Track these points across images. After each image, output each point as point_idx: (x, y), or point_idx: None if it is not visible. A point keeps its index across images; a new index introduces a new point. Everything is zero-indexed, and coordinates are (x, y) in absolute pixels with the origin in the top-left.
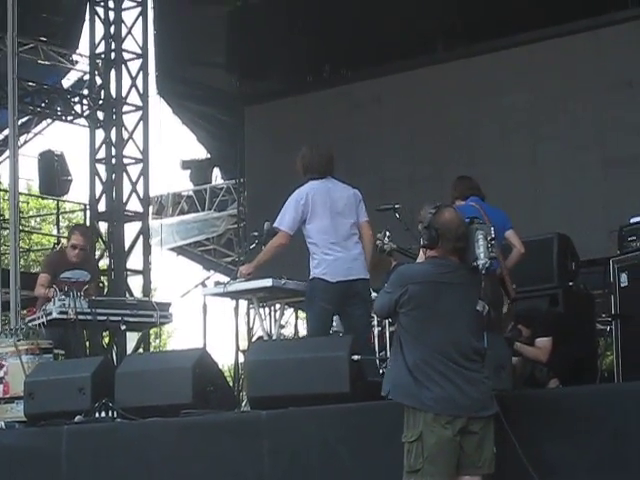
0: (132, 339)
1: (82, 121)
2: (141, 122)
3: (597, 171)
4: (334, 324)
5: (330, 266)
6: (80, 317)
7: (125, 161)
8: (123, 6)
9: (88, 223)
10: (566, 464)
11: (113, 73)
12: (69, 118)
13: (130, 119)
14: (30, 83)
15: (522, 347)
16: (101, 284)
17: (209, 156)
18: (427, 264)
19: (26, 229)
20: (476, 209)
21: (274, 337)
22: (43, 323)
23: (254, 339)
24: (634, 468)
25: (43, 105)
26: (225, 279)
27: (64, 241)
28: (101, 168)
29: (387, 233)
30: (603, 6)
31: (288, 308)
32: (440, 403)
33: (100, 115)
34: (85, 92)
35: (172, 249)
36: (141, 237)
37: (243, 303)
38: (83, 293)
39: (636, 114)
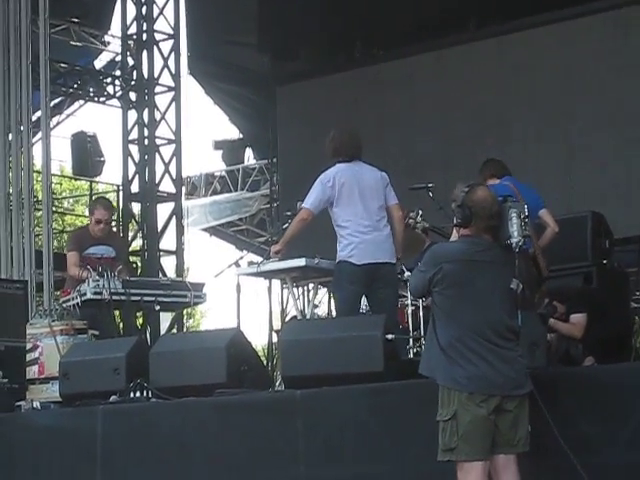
0: (165, 319)
1: (114, 102)
2: (173, 103)
3: (631, 149)
4: (363, 306)
5: (357, 249)
6: (114, 298)
7: (157, 142)
8: None
9: (122, 204)
10: (601, 442)
11: (145, 54)
12: (101, 99)
13: (162, 100)
14: (62, 64)
15: (556, 323)
16: (134, 265)
17: (241, 136)
18: (461, 243)
19: (59, 210)
20: (510, 188)
21: (307, 317)
22: (77, 304)
23: (287, 319)
24: None
25: (75, 86)
26: (258, 259)
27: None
28: (134, 149)
29: (420, 212)
30: None
31: (321, 288)
32: (474, 382)
33: (132, 96)
34: (117, 73)
35: (205, 229)
36: (174, 218)
37: (276, 283)
38: (116, 274)
39: None
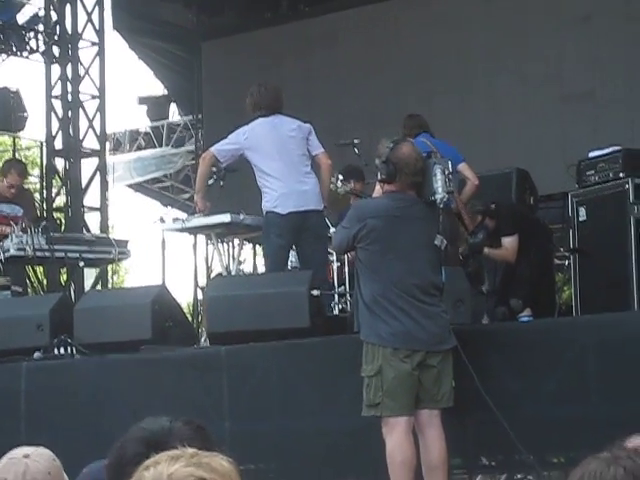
0: (89, 276)
1: (37, 57)
2: (97, 58)
3: (554, 106)
4: (292, 259)
5: (280, 198)
6: (38, 254)
7: (81, 97)
8: None
9: (45, 160)
10: (525, 397)
11: (68, 8)
12: (24, 54)
13: (86, 55)
14: None
15: (490, 251)
16: (58, 221)
17: (166, 92)
18: (385, 198)
19: None
20: (427, 145)
21: (233, 273)
22: (0, 260)
23: (212, 275)
24: (593, 400)
25: None
26: (183, 215)
27: None
28: (57, 104)
29: (339, 176)
30: None
31: (247, 244)
32: (398, 337)
33: (56, 51)
34: (40, 28)
35: (129, 186)
36: (98, 174)
37: (202, 239)
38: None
39: (593, 49)
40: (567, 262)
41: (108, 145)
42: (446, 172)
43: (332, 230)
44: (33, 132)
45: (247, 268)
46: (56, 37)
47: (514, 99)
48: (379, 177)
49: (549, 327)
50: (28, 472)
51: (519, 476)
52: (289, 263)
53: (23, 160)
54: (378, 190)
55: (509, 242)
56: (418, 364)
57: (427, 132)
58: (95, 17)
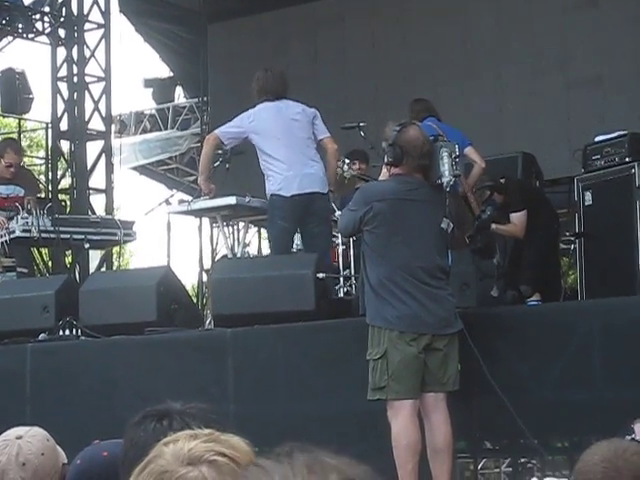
0: (94, 258)
1: (43, 39)
2: (103, 40)
3: (561, 91)
4: (297, 242)
5: (284, 181)
6: (43, 235)
7: (87, 79)
8: None
9: (50, 142)
10: (531, 380)
11: None
12: (30, 36)
13: (92, 37)
14: None
15: (498, 227)
16: (62, 203)
17: (172, 74)
18: (391, 181)
19: None
20: (433, 129)
21: (238, 255)
22: (6, 241)
23: (218, 258)
24: (598, 384)
25: (4, 22)
26: (188, 198)
27: None
28: (63, 86)
29: (346, 160)
30: None
31: (252, 226)
32: (404, 320)
33: (62, 33)
34: (46, 9)
35: (134, 168)
36: (103, 156)
37: (207, 222)
38: (27, 204)
39: (599, 35)
40: (572, 246)
41: (113, 127)
42: (453, 155)
43: (338, 213)
44: (38, 114)
45: (252, 251)
46: (62, 19)
47: (520, 84)
48: (386, 160)
49: (555, 311)
50: (21, 453)
51: (523, 460)
52: (294, 246)
53: (29, 142)
54: (385, 173)
55: (517, 217)
56: (424, 347)
57: (434, 116)
58: None
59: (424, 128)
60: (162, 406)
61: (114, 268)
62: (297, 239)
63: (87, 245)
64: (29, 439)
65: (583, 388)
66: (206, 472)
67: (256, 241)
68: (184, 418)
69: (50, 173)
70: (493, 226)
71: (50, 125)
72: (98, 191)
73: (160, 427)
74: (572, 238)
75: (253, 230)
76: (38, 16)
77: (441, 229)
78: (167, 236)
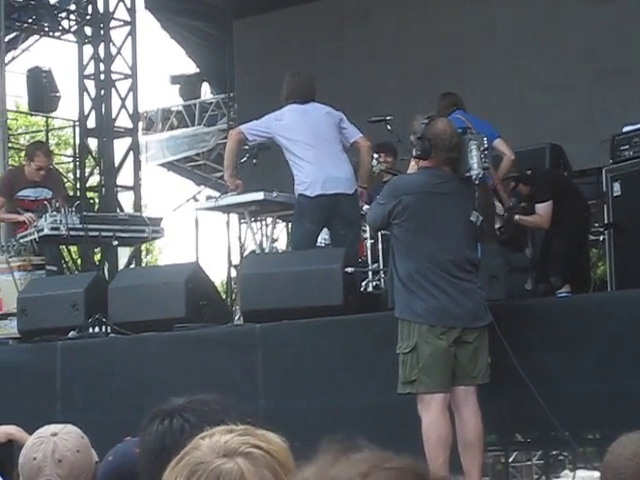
0: (123, 256)
1: (70, 37)
2: (129, 37)
3: (588, 82)
4: (325, 237)
5: (309, 182)
6: (72, 233)
7: (114, 77)
8: None
9: (78, 140)
10: (561, 372)
11: None
12: (56, 34)
13: (118, 34)
14: None
15: (522, 218)
16: (91, 200)
17: (198, 71)
18: (420, 174)
19: (15, 147)
20: (462, 121)
21: (266, 251)
22: (35, 239)
23: (246, 253)
24: (629, 375)
25: (30, 21)
26: (216, 194)
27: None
28: (90, 84)
29: (374, 155)
30: None
31: (280, 222)
32: (434, 314)
33: (88, 31)
34: (72, 7)
35: (162, 165)
36: (131, 153)
37: (235, 218)
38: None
39: (624, 25)
40: (602, 237)
41: (141, 124)
42: (481, 148)
43: (366, 207)
44: (66, 112)
45: (280, 246)
46: (88, 17)
47: (546, 76)
48: (414, 153)
49: (584, 303)
50: (57, 450)
51: (554, 452)
52: (322, 241)
53: (56, 140)
54: (413, 166)
55: (542, 208)
56: (454, 340)
57: (462, 109)
58: None
59: (453, 120)
60: (166, 405)
61: (143, 265)
62: (324, 233)
63: (115, 242)
64: (64, 436)
65: (614, 379)
66: (242, 463)
67: (284, 236)
68: (183, 414)
69: (78, 171)
70: (517, 217)
71: (77, 123)
72: (126, 188)
73: (162, 428)
74: (601, 229)
75: (281, 225)
76: (64, 14)
77: (470, 222)
78: (195, 232)
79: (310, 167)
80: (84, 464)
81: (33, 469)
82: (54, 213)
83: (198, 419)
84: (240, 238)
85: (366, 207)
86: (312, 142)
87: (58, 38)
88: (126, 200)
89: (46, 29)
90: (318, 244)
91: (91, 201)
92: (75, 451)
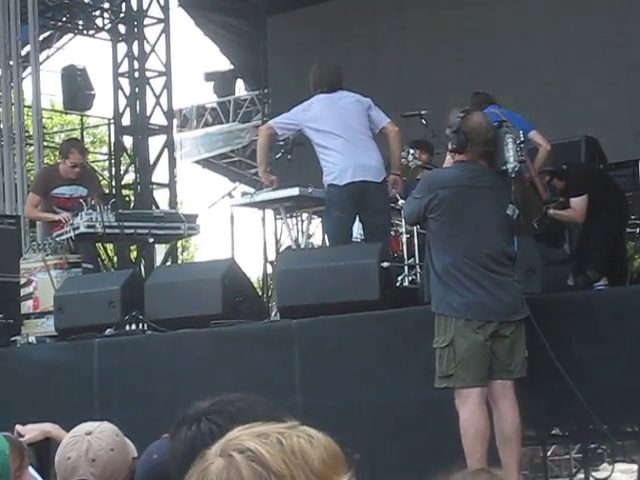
0: (159, 253)
1: (104, 35)
2: (163, 35)
3: (623, 74)
4: (360, 232)
5: (338, 171)
6: (108, 231)
7: (148, 74)
8: None
9: (113, 138)
10: (599, 365)
11: None
12: (91, 32)
13: (152, 32)
14: None
15: (556, 212)
16: (127, 198)
17: (232, 67)
18: (456, 168)
19: (51, 145)
20: (497, 115)
21: (302, 246)
22: (71, 238)
23: (282, 249)
24: None
25: (64, 20)
26: (251, 190)
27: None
28: (124, 82)
29: (410, 150)
30: None
31: (315, 217)
32: (471, 308)
33: (122, 29)
34: (106, 5)
35: (197, 162)
36: (166, 150)
37: (270, 214)
38: (93, 202)
39: None
40: (638, 230)
41: (175, 122)
42: (517, 141)
43: (401, 202)
44: (100, 110)
45: (316, 241)
46: (122, 15)
47: (581, 68)
48: (450, 147)
49: (621, 295)
50: (90, 450)
51: (593, 446)
52: (357, 236)
53: (92, 138)
54: (449, 160)
55: (577, 202)
56: (491, 334)
57: (494, 105)
58: None
59: (488, 114)
60: (191, 410)
61: (179, 262)
62: (358, 229)
63: (151, 239)
64: (98, 435)
65: None
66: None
67: (320, 232)
68: (210, 417)
69: (113, 169)
70: (551, 211)
71: (112, 121)
72: (161, 185)
73: (190, 433)
74: (638, 222)
75: (316, 221)
76: (98, 12)
77: (507, 215)
78: (231, 229)
79: (339, 156)
80: (119, 463)
81: (68, 468)
82: (90, 211)
83: (225, 420)
84: (276, 234)
85: (402, 202)
86: (340, 131)
87: (92, 36)
88: (161, 197)
89: (80, 27)
90: (353, 239)
91: (126, 199)
92: (109, 450)
